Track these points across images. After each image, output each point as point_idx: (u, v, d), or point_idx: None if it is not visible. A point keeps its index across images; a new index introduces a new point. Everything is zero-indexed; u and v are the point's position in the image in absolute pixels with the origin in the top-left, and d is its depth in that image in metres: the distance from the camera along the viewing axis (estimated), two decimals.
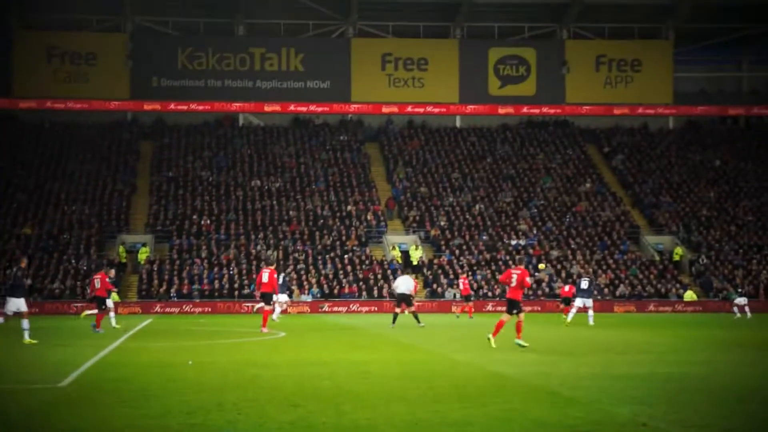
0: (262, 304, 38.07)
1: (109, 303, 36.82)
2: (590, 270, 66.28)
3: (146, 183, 74.11)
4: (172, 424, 12.48)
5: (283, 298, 46.19)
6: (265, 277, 35.45)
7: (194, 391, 15.95)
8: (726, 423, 12.53)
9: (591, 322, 41.85)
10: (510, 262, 66.16)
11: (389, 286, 63.23)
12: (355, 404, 14.17)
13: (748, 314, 53.66)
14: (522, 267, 27.33)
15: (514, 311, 26.07)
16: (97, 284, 35.94)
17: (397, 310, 39.52)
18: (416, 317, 39.65)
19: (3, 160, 74.10)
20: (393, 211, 73.41)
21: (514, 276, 26.34)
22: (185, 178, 74.16)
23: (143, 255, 64.82)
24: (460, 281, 53.06)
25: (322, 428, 12.02)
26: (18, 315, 29.18)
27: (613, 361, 21.98)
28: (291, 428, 12.07)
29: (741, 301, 54.78)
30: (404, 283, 40.26)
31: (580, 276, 50.59)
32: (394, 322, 39.03)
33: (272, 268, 36.35)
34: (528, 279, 26.60)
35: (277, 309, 44.15)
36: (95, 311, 36.49)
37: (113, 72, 79.86)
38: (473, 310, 53.68)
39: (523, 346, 25.48)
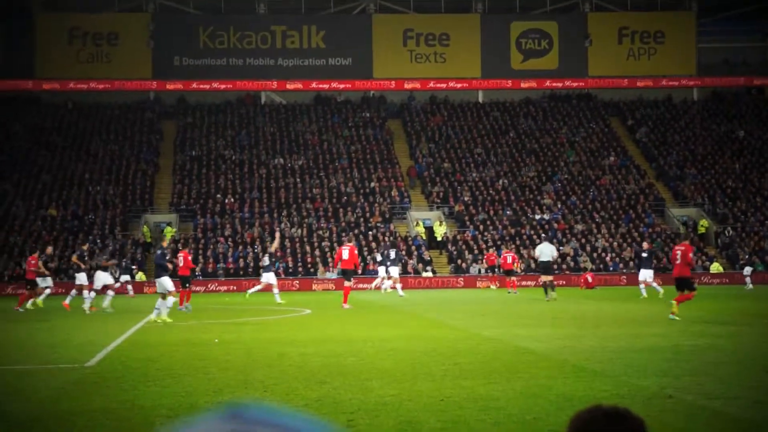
0: (258, 287, 38.92)
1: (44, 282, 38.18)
2: (615, 243, 66.10)
3: (170, 162, 74.29)
4: (199, 402, 12.52)
5: (395, 271, 46.78)
6: (345, 253, 35.96)
7: (220, 370, 16.01)
8: (753, 394, 12.48)
9: (644, 294, 42.07)
10: (534, 237, 66.11)
11: (414, 262, 63.25)
12: (381, 381, 14.19)
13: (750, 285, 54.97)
14: (687, 243, 27.31)
15: (685, 289, 26.11)
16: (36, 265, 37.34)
17: (542, 279, 39.69)
18: (551, 287, 39.32)
19: (27, 142, 74.42)
20: (415, 179, 73.50)
21: (678, 253, 26.37)
22: (208, 157, 74.30)
23: (168, 234, 65.00)
24: (506, 255, 52.74)
25: (348, 405, 12.04)
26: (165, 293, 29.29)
27: (639, 334, 21.93)
28: (318, 405, 12.10)
29: (747, 270, 56.06)
30: (547, 251, 39.73)
31: (640, 248, 50.78)
32: (547, 295, 38.98)
33: (352, 244, 36.88)
34: (691, 255, 26.63)
35: (387, 282, 44.85)
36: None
37: (135, 52, 79.98)
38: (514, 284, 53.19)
39: (675, 320, 25.34)
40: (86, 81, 79.32)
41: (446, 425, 10.61)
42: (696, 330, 23.01)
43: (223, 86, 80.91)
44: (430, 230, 67.49)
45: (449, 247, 65.77)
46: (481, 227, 67.42)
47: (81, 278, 36.60)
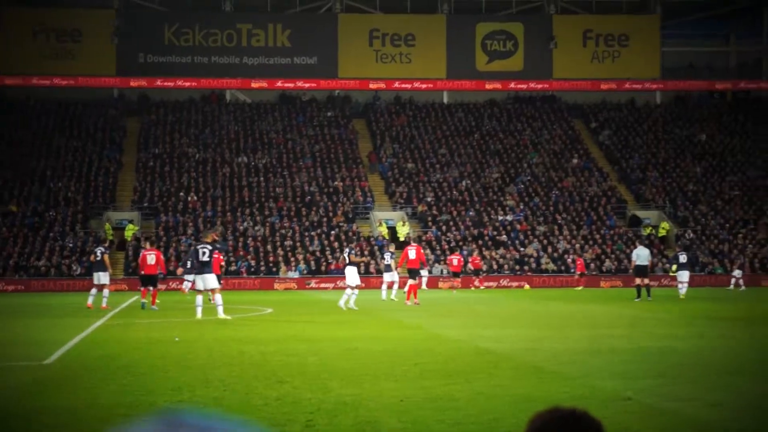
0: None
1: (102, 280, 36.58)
2: (577, 245, 66.44)
3: (132, 160, 73.88)
4: (158, 401, 12.45)
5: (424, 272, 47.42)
6: (411, 253, 38.22)
7: (181, 368, 15.94)
8: (712, 396, 12.55)
9: (683, 294, 43.20)
10: (497, 237, 66.35)
11: (376, 263, 63.28)
12: (342, 380, 14.17)
13: (742, 287, 55.27)
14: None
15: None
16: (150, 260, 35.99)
17: (638, 281, 40.69)
18: (647, 290, 40.44)
19: None
20: (375, 165, 73.81)
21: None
22: (171, 155, 73.96)
23: (130, 232, 64.69)
24: (452, 258, 53.89)
25: (307, 404, 12.01)
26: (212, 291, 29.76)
27: (600, 336, 22.02)
28: (277, 404, 12.06)
29: (737, 273, 56.44)
30: (644, 255, 41.29)
31: (677, 251, 51.74)
32: (638, 296, 40.19)
33: (418, 244, 39.49)
34: None
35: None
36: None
37: (99, 48, 79.46)
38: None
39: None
40: (49, 77, 78.71)
41: (406, 425, 10.60)
42: (657, 332, 23.14)
43: (187, 84, 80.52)
44: (393, 230, 67.51)
45: (391, 247, 65.71)
46: (444, 228, 67.53)
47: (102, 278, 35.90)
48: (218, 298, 29.20)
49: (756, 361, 16.61)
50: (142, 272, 36.01)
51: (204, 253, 29.29)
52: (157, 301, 35.57)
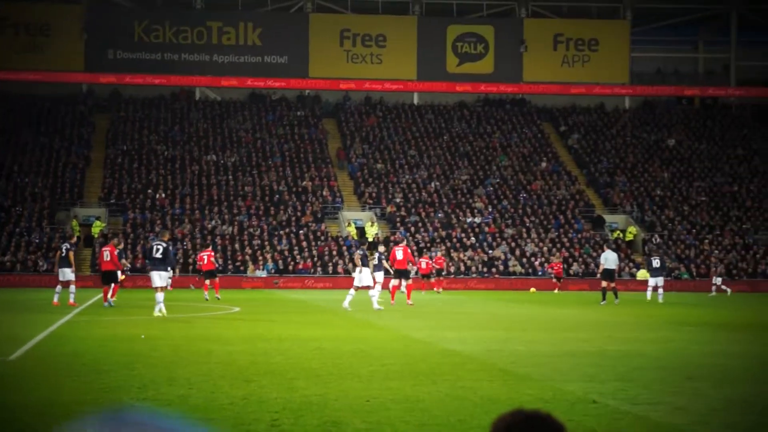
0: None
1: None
2: (545, 248, 66.69)
3: (101, 156, 73.51)
4: (123, 398, 12.40)
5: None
6: (399, 254, 38.14)
7: (146, 366, 15.87)
8: (675, 400, 12.63)
9: (648, 297, 44.21)
10: (465, 240, 66.51)
11: (344, 263, 63.31)
12: (308, 380, 14.16)
13: (728, 291, 56.19)
14: None
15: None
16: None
17: (604, 284, 41.06)
18: (615, 293, 40.96)
19: None
20: (343, 161, 73.91)
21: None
22: (140, 152, 73.65)
23: (97, 228, 64.36)
24: (421, 261, 54.11)
25: (273, 403, 11.99)
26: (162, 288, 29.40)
27: (566, 338, 22.11)
28: (243, 403, 12.04)
29: (718, 280, 56.76)
30: (612, 258, 41.78)
31: (650, 254, 52.06)
32: (604, 299, 40.40)
33: (405, 245, 39.15)
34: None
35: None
36: None
37: (68, 43, 79.03)
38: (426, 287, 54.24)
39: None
40: (17, 72, 78.17)
41: (371, 426, 10.60)
42: (622, 336, 23.25)
43: (157, 81, 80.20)
44: (361, 231, 67.52)
45: (380, 248, 65.69)
46: (413, 229, 67.59)
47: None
48: (159, 296, 29.04)
49: (719, 366, 16.71)
50: (101, 269, 35.85)
51: (158, 250, 29.38)
52: (113, 298, 35.09)
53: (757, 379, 15.20)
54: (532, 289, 60.66)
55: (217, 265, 47.51)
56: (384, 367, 15.98)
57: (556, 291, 59.79)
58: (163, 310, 28.71)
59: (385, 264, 37.84)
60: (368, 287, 34.06)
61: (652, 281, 45.84)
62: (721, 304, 44.34)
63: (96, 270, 59.52)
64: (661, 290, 45.00)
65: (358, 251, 36.55)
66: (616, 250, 59.68)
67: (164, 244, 29.57)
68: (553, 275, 61.94)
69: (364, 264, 34.62)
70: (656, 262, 46.11)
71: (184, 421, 2.34)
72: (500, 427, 2.90)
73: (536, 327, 26.23)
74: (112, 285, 35.10)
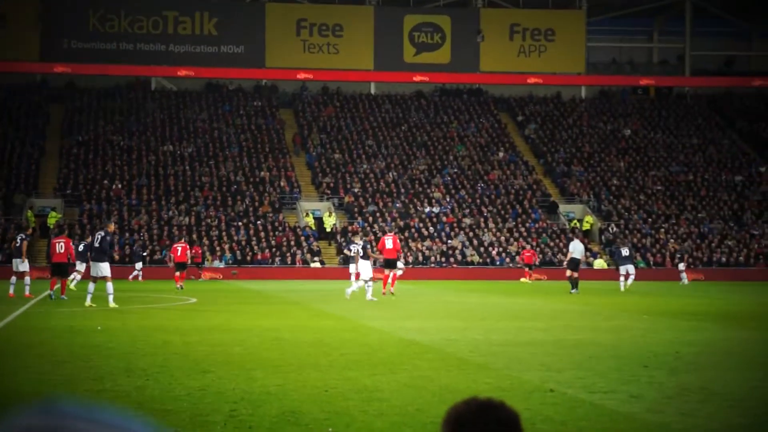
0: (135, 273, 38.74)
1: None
2: (503, 237, 66.95)
3: (56, 147, 72.90)
4: (79, 389, 12.34)
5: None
6: (388, 242, 37.49)
7: (103, 357, 15.81)
8: (631, 388, 12.74)
9: (623, 288, 44.39)
10: (422, 230, 66.63)
11: (302, 253, 63.24)
12: (266, 371, 14.15)
13: (685, 281, 56.67)
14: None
15: None
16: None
17: (569, 273, 41.65)
18: (575, 283, 41.25)
19: None
20: (299, 147, 74.07)
21: None
22: (96, 142, 73.12)
23: (52, 219, 63.84)
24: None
25: (231, 394, 11.98)
26: (102, 279, 29.06)
27: (524, 328, 22.22)
28: (201, 394, 12.01)
29: (683, 266, 57.25)
30: (580, 248, 42.36)
31: (617, 244, 52.47)
32: (574, 287, 40.77)
33: (394, 234, 39.12)
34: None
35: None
36: None
37: (22, 33, 78.19)
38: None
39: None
40: None
41: (330, 416, 10.62)
42: (579, 325, 23.41)
43: (112, 71, 79.59)
44: (319, 221, 67.46)
45: (338, 238, 65.84)
46: (371, 219, 67.61)
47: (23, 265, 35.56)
48: (110, 286, 28.90)
49: (674, 355, 16.87)
50: (52, 261, 35.34)
51: (97, 239, 29.25)
52: (63, 295, 34.73)
53: (711, 366, 15.36)
54: (523, 279, 59.59)
55: (188, 258, 48.98)
56: (342, 356, 16.01)
57: (525, 279, 58.96)
58: (88, 301, 28.49)
59: (375, 254, 37.91)
60: (363, 279, 34.32)
61: (623, 269, 46.25)
62: (678, 292, 44.71)
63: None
64: (632, 278, 45.60)
65: (360, 243, 36.20)
66: (582, 240, 59.93)
67: (103, 234, 29.39)
68: (523, 264, 60.70)
69: (364, 256, 34.72)
70: (625, 251, 46.73)
71: (121, 413, 2.33)
72: (452, 417, 2.91)
73: (494, 316, 26.34)
74: (62, 279, 34.64)
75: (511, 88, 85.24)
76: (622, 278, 45.93)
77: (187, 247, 49.90)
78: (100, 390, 12.37)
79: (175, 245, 50.29)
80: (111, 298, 28.69)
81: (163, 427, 9.66)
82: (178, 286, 43.80)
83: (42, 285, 39.54)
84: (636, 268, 62.45)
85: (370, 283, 33.89)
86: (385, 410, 10.96)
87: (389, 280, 38.00)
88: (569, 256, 42.92)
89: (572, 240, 45.37)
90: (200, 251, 58.63)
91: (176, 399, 11.69)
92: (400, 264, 47.52)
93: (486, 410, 2.88)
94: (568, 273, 41.76)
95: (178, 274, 45.60)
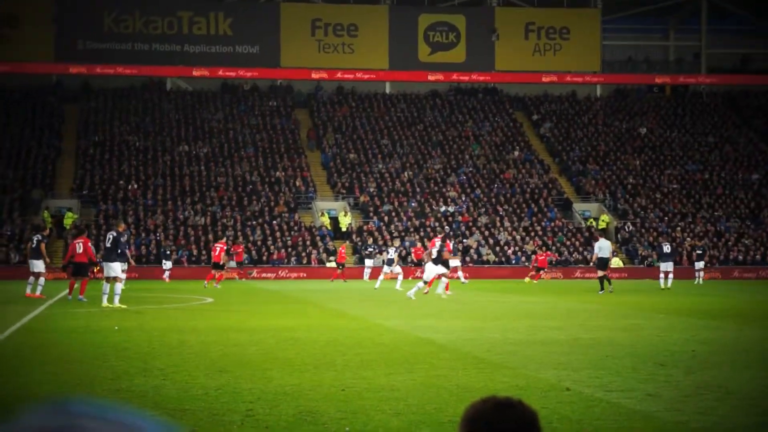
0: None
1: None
2: (518, 236, 66.87)
3: (72, 147, 73.12)
4: (96, 389, 12.36)
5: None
6: (438, 245, 37.45)
7: (119, 357, 15.83)
8: (647, 387, 12.70)
9: (662, 285, 44.66)
10: (438, 229, 66.47)
11: (318, 252, 63.28)
12: (282, 370, 14.15)
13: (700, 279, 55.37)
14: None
15: None
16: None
17: (600, 273, 41.29)
18: (608, 281, 40.96)
19: None
20: (314, 142, 74.20)
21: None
22: (112, 143, 73.32)
23: (69, 220, 64.05)
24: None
25: (248, 394, 11.98)
26: (114, 279, 29.14)
27: (540, 326, 22.18)
28: (217, 394, 12.02)
29: (699, 265, 56.02)
30: (606, 247, 42.04)
31: (660, 241, 52.33)
32: (602, 288, 40.20)
33: (441, 236, 38.84)
34: None
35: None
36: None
37: (37, 35, 78.41)
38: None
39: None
40: None
41: (346, 415, 10.62)
42: (595, 323, 23.35)
43: (127, 71, 79.76)
44: (335, 220, 67.49)
45: (354, 237, 65.87)
46: (386, 218, 67.61)
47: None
48: (118, 287, 28.95)
49: (691, 353, 16.82)
50: (73, 261, 35.44)
51: (108, 239, 29.35)
52: (82, 295, 34.81)
53: (728, 365, 15.30)
54: (527, 279, 58.65)
55: (222, 258, 49.76)
56: (358, 356, 16.00)
57: (528, 279, 58.18)
58: (104, 302, 28.53)
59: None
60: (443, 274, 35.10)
61: (663, 266, 46.28)
62: (694, 291, 44.58)
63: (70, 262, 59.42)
64: (671, 276, 45.50)
65: (437, 242, 36.48)
66: (609, 239, 59.64)
67: (114, 234, 29.50)
68: (537, 265, 58.71)
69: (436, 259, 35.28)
70: (667, 248, 46.70)
71: (133, 412, 2.33)
72: (470, 415, 2.91)
73: (510, 315, 26.30)
74: (82, 279, 34.70)
75: (526, 87, 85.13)
76: (662, 275, 45.90)
77: (224, 246, 50.69)
78: (116, 390, 12.39)
79: (215, 245, 51.93)
80: (117, 299, 28.65)
81: (177, 425, 9.67)
82: (215, 285, 45.45)
83: (57, 285, 39.67)
84: (651, 267, 62.48)
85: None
86: (402, 409, 10.95)
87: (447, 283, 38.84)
88: (595, 256, 42.65)
89: (598, 239, 45.13)
90: (241, 249, 58.25)
91: (193, 398, 11.70)
92: (454, 263, 48.32)
93: (504, 409, 2.88)
94: (600, 273, 41.53)
95: (214, 273, 47.25)
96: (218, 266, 47.82)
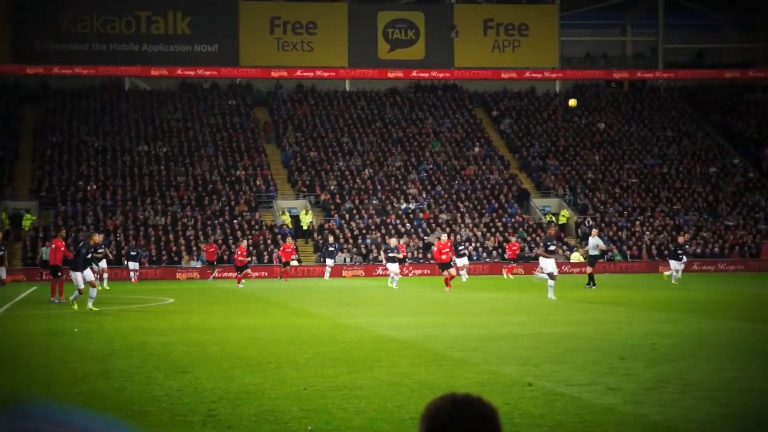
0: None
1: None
2: (479, 233, 67.03)
3: (29, 148, 72.55)
4: (57, 392, 12.29)
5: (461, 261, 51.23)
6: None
7: (80, 359, 15.74)
8: (608, 380, 12.79)
9: (673, 280, 45.67)
10: (399, 226, 66.63)
11: (278, 251, 63.12)
12: (244, 369, 14.13)
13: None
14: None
15: None
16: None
17: (589, 269, 41.65)
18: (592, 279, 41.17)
19: None
20: (271, 135, 74.46)
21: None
22: (70, 144, 72.78)
23: (27, 221, 63.57)
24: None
25: (210, 394, 11.95)
26: (89, 284, 29.46)
27: (502, 322, 22.26)
28: (179, 394, 11.98)
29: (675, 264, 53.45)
30: (592, 243, 42.35)
31: (676, 240, 52.78)
32: (593, 283, 40.45)
33: (447, 236, 41.69)
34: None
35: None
36: None
37: None
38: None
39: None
40: None
41: (308, 414, 10.62)
42: (556, 318, 23.47)
43: (85, 71, 79.15)
44: (296, 219, 67.35)
45: (315, 236, 65.78)
46: (347, 216, 67.57)
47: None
48: (93, 291, 29.02)
49: (650, 346, 16.94)
50: (48, 264, 35.73)
51: (79, 250, 30.51)
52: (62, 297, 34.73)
53: (688, 358, 15.42)
54: (507, 275, 58.15)
55: (249, 259, 52.96)
56: (320, 354, 16.00)
57: (508, 275, 57.17)
58: (89, 304, 28.52)
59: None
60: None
61: (673, 264, 47.08)
62: (654, 284, 44.89)
63: (28, 263, 59.06)
64: (675, 272, 46.16)
65: (389, 247, 38.13)
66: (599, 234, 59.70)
67: (80, 245, 30.52)
68: (508, 256, 58.53)
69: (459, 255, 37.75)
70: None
71: (90, 415, 2.32)
72: (429, 412, 2.92)
73: (472, 312, 26.38)
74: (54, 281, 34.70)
75: (486, 84, 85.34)
76: (672, 272, 46.57)
77: (216, 247, 54.55)
78: (77, 393, 12.32)
79: (206, 246, 55.31)
80: (91, 302, 28.61)
81: (136, 428, 9.63)
82: (238, 285, 47.19)
83: (16, 288, 39.38)
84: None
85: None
86: (364, 407, 10.96)
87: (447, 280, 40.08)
88: (586, 251, 43.10)
89: (590, 236, 45.38)
90: (245, 250, 53.13)
91: (154, 400, 11.66)
92: (460, 262, 50.83)
93: (463, 406, 2.89)
94: (589, 269, 41.77)
95: (239, 274, 49.79)
96: (240, 268, 49.96)
